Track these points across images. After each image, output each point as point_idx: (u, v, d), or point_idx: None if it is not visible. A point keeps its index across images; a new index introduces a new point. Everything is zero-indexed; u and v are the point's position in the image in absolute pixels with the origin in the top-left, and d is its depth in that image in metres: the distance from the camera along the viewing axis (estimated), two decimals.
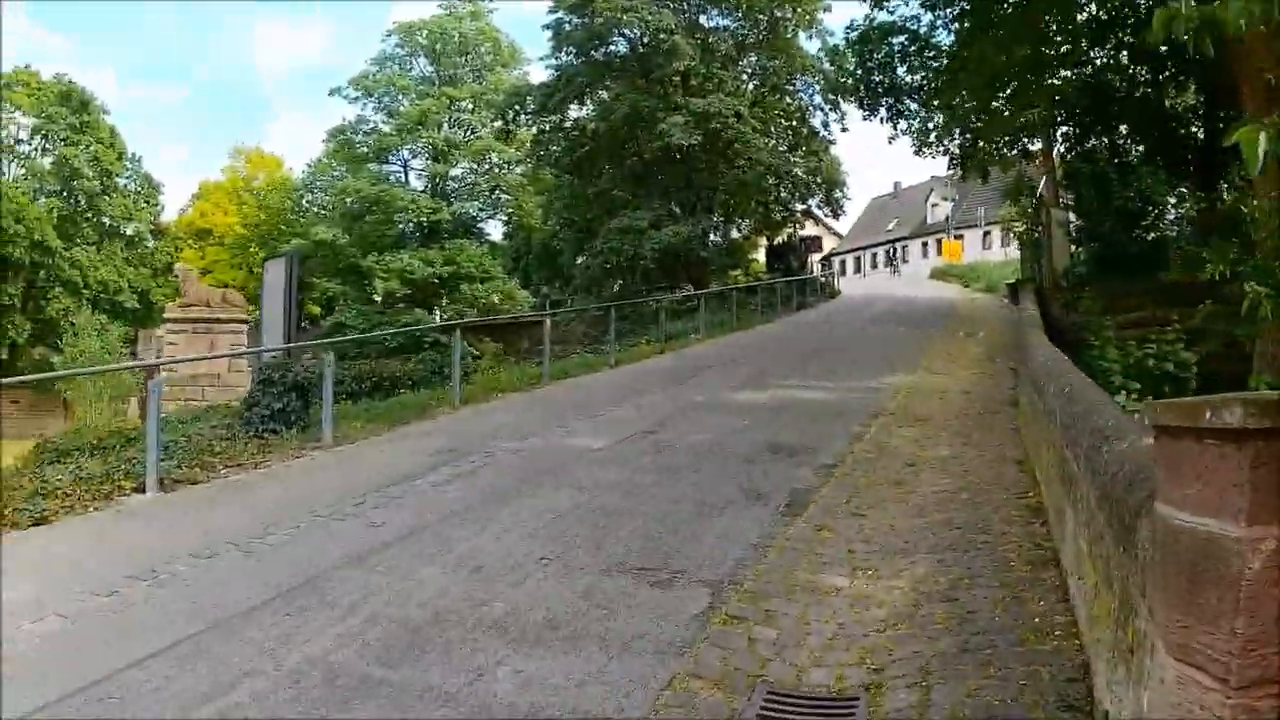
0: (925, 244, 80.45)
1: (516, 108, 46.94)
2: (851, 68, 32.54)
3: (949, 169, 37.03)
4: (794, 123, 46.34)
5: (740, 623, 6.12)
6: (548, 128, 46.30)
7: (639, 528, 8.35)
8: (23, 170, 54.01)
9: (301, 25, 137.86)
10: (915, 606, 6.19)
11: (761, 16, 44.32)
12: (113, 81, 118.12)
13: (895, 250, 50.89)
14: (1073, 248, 29.75)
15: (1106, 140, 29.23)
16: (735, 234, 47.81)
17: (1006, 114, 27.88)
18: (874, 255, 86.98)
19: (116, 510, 10.06)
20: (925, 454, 11.07)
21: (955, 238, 73.19)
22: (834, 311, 37.29)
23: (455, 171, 61.10)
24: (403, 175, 61.70)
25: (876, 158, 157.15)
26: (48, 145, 54.40)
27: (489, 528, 8.61)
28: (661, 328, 26.95)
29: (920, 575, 6.79)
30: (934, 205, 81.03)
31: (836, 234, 79.93)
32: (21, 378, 16.86)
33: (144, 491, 10.67)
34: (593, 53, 43.69)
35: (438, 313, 55.38)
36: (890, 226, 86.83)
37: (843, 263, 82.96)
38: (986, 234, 71.19)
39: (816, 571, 7.10)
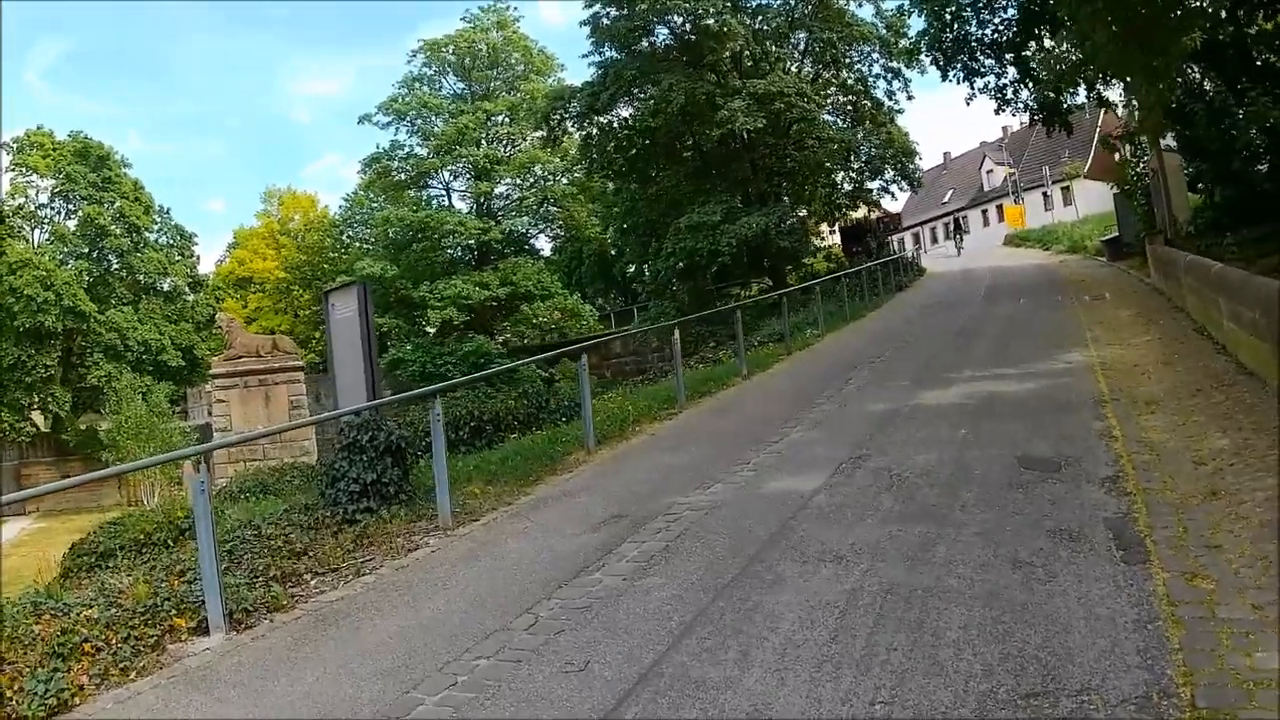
0: (985, 212, 78.12)
1: (560, 113, 43.40)
2: (923, 25, 30.58)
3: (1032, 123, 34.46)
4: (854, 96, 42.78)
5: None
6: (595, 131, 43.05)
7: (968, 620, 5.80)
8: (47, 235, 51.73)
9: (326, 65, 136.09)
10: None
11: None
12: (140, 139, 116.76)
13: (956, 222, 47.32)
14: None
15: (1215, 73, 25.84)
16: (807, 219, 44.27)
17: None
18: (933, 229, 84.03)
19: (170, 677, 6.77)
20: (1202, 447, 9.13)
21: (1016, 201, 70.71)
22: (935, 290, 34.89)
23: (500, 189, 58.25)
24: (446, 198, 59.16)
25: (917, 131, 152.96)
26: (71, 206, 52.03)
27: (751, 652, 5.67)
28: (773, 326, 23.77)
29: None
30: (988, 172, 79.11)
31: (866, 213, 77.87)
32: (61, 483, 13.52)
33: (207, 633, 7.42)
34: (636, 45, 40.38)
35: (499, 336, 52.65)
36: (946, 198, 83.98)
37: (901, 240, 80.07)
38: (1046, 195, 69.09)
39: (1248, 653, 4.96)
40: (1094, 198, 61.39)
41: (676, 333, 16.29)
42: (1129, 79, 25.22)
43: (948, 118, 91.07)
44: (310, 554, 9.39)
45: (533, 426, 16.43)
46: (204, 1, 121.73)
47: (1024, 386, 13.49)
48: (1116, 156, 59.07)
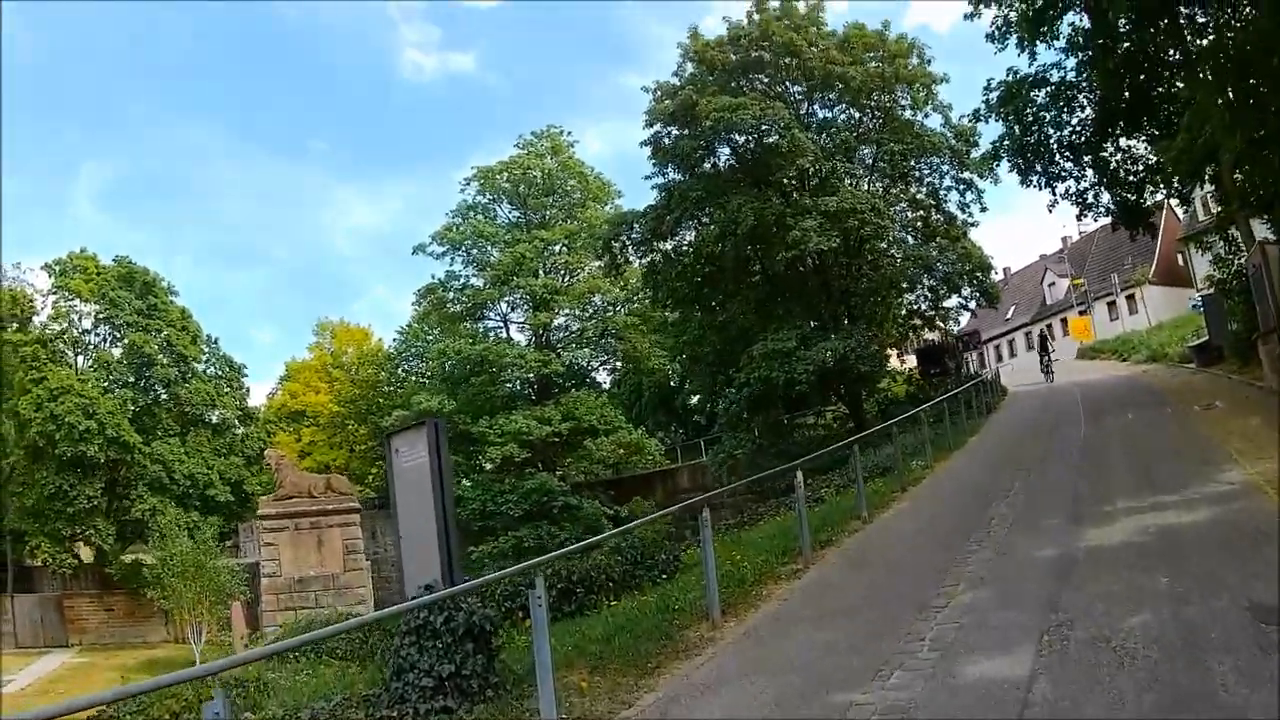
0: (1049, 325, 75.39)
1: (623, 239, 41.87)
2: (1000, 130, 30.13)
3: (1114, 227, 33.98)
4: (925, 211, 41.08)
5: None
6: (659, 258, 41.55)
7: None
8: (90, 362, 50.56)
9: (371, 197, 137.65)
10: None
11: (869, 103, 39.57)
12: (189, 268, 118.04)
13: (1043, 340, 45.17)
14: None
15: None
16: (884, 340, 42.18)
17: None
18: (997, 346, 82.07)
19: None
20: None
21: (1080, 313, 70.01)
22: (1028, 409, 32.67)
23: (559, 320, 56.85)
24: (504, 329, 57.80)
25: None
26: (116, 333, 50.93)
27: None
28: (885, 460, 21.51)
29: None
30: (1050, 285, 78.20)
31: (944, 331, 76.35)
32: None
33: None
34: (699, 166, 39.09)
35: (559, 471, 50.72)
36: (1009, 314, 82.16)
37: (967, 359, 78.09)
38: (1112, 304, 68.03)
39: None
40: (1160, 303, 60.07)
41: (799, 474, 14.07)
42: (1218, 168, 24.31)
43: (1001, 233, 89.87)
44: None
45: (630, 586, 14.12)
46: (246, 131, 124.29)
47: (1197, 516, 11.85)
48: (1180, 259, 58.79)
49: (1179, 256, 59.48)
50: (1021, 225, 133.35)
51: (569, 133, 58.58)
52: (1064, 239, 79.36)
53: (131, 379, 50.37)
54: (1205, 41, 23.75)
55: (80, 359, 50.61)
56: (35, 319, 49.56)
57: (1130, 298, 65.31)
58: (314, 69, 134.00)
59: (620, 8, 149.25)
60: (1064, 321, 72.18)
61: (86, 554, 48.54)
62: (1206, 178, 26.41)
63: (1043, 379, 41.36)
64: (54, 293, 49.89)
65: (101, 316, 50.38)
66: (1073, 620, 8.48)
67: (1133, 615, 8.39)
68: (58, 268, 49.75)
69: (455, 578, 9.71)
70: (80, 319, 50.68)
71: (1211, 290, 34.48)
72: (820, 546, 13.93)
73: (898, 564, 12.41)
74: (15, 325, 47.50)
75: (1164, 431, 20.58)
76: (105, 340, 51.47)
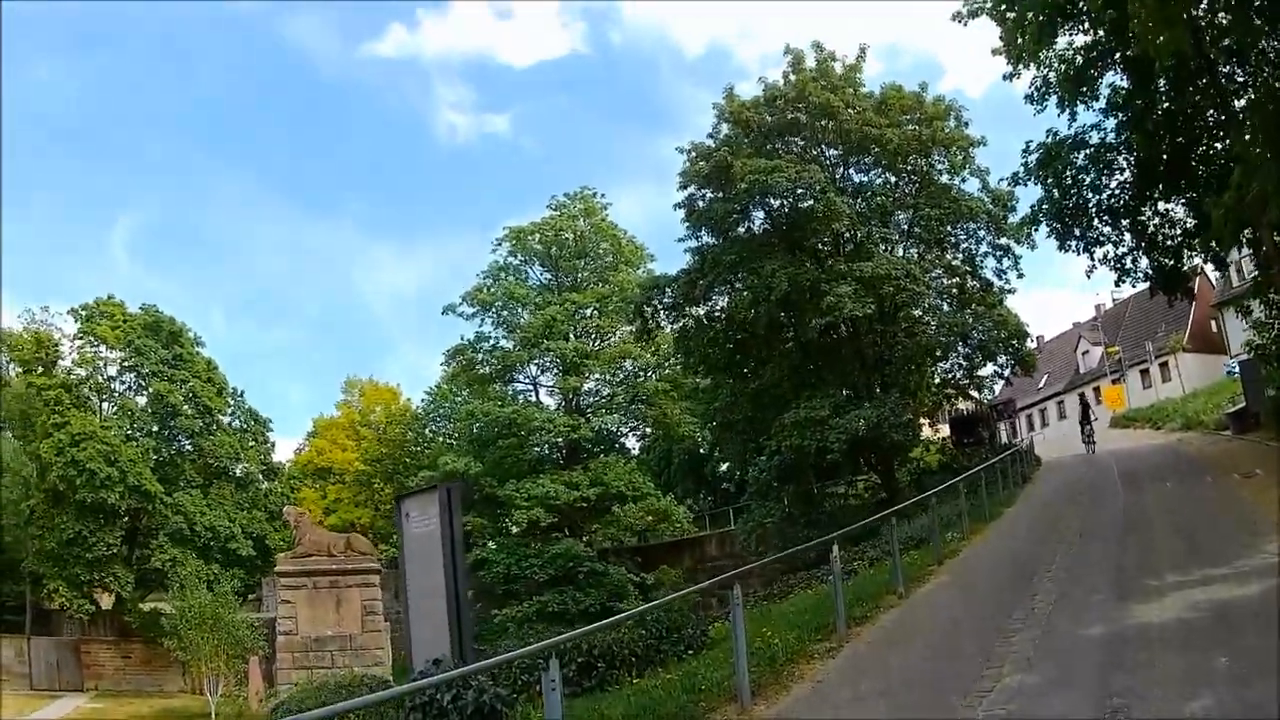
0: (1082, 395, 74.57)
1: (655, 303, 41.42)
2: (1038, 194, 29.87)
3: (1152, 293, 33.11)
4: (960, 277, 40.33)
5: None
6: (691, 323, 41.07)
7: None
8: (114, 409, 50.06)
9: (407, 257, 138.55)
10: None
11: (905, 167, 39.20)
12: (221, 321, 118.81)
13: (1085, 407, 44.08)
14: None
15: None
16: (917, 409, 41.38)
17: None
18: (1028, 416, 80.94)
19: None
20: None
21: (1113, 381, 69.87)
22: (1063, 479, 32.18)
23: (588, 385, 56.32)
24: (533, 392, 57.35)
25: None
26: (141, 382, 50.56)
27: None
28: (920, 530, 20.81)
29: None
30: (1084, 353, 77.96)
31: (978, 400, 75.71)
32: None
33: None
34: (733, 230, 38.75)
35: (585, 537, 50.14)
36: (1041, 383, 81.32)
37: (998, 428, 77.38)
38: (1145, 372, 67.79)
39: None
40: (1194, 371, 59.50)
41: (835, 547, 13.48)
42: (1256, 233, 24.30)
43: (1034, 303, 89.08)
44: None
45: (654, 662, 13.42)
46: (282, 186, 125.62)
47: (1251, 590, 11.53)
48: (1214, 325, 58.19)
49: (1212, 323, 59.05)
50: (1056, 295, 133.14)
51: (602, 195, 58.46)
52: (1097, 306, 79.00)
53: (155, 428, 50.15)
54: (1245, 101, 23.52)
55: (104, 405, 50.24)
56: (60, 363, 49.32)
57: (1164, 365, 64.97)
58: (351, 125, 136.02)
59: (656, 72, 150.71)
60: (1096, 390, 71.50)
61: (106, 600, 48.15)
62: (1244, 240, 26.23)
63: (1082, 449, 40.10)
64: (80, 338, 49.73)
65: (127, 364, 50.08)
66: (1129, 705, 8.03)
67: (1193, 699, 8.01)
68: (84, 313, 49.60)
69: (466, 653, 9.17)
70: (105, 365, 50.39)
71: (1249, 355, 33.97)
72: (855, 623, 13.27)
73: (938, 644, 11.82)
74: (40, 369, 47.47)
75: (1205, 501, 20.30)
76: (130, 388, 51.22)
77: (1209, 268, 36.99)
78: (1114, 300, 73.94)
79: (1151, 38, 19.09)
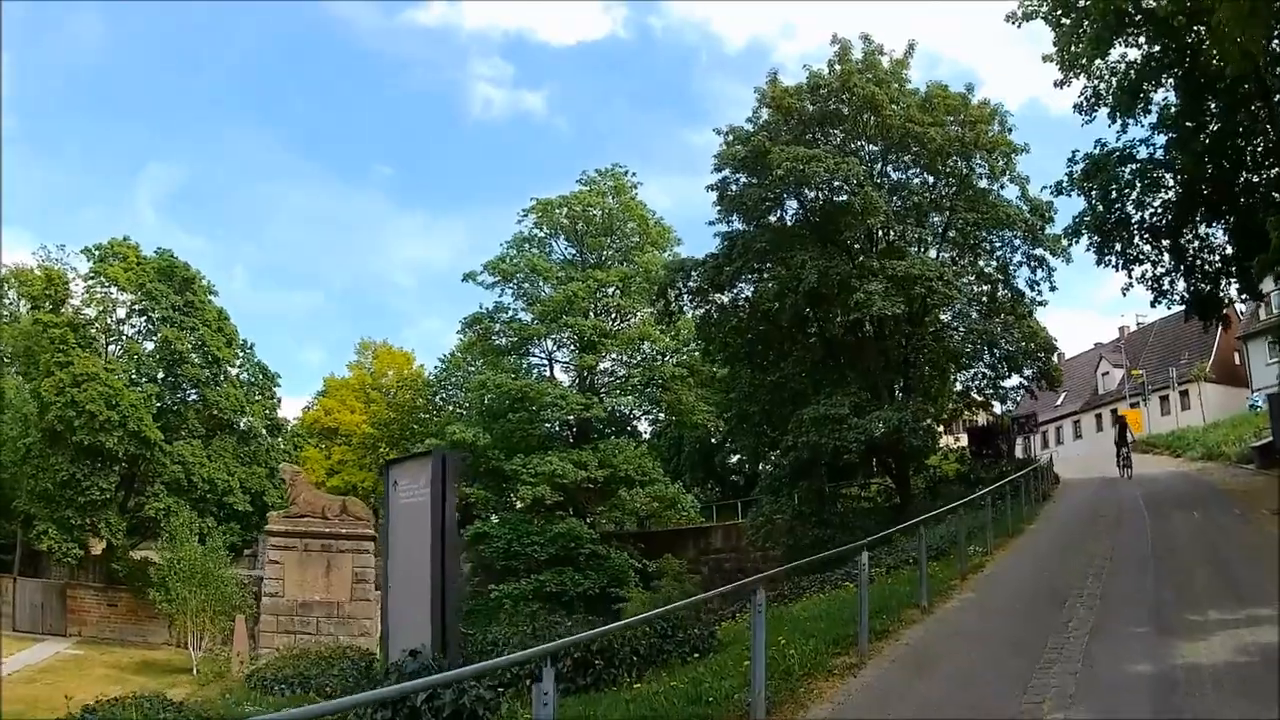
0: (1099, 415, 74.93)
1: (679, 286, 40.49)
2: (1081, 206, 30.18)
3: (1187, 317, 32.87)
4: (992, 285, 39.36)
5: None
6: (714, 309, 40.22)
7: None
8: (120, 352, 49.41)
9: (433, 228, 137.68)
10: None
11: (944, 169, 38.09)
12: (242, 280, 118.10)
13: (1122, 428, 42.16)
14: None
15: None
16: (937, 415, 40.42)
17: None
18: (1044, 432, 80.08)
19: None
20: None
21: (1132, 405, 67.45)
22: (1084, 500, 31.10)
23: (604, 364, 55.60)
24: (547, 368, 56.54)
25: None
26: (149, 327, 49.74)
27: None
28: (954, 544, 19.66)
29: None
30: (1104, 374, 76.40)
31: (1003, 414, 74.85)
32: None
33: None
34: (765, 218, 37.85)
35: (589, 519, 49.40)
36: (1059, 401, 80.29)
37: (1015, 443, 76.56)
38: (1165, 398, 66.41)
39: None
40: (1215, 402, 58.60)
41: (865, 555, 12.60)
42: None
43: (1053, 320, 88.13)
44: None
45: (656, 662, 12.39)
46: (311, 149, 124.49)
47: None
48: (1237, 358, 57.22)
49: (1235, 355, 57.99)
50: (1077, 315, 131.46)
51: (633, 174, 57.50)
52: (1121, 329, 77.97)
53: (160, 375, 49.25)
54: None
55: (110, 348, 49.48)
56: (70, 302, 48.28)
57: (1184, 393, 63.91)
58: (385, 93, 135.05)
59: (694, 63, 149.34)
60: (1113, 413, 69.89)
61: (96, 546, 47.44)
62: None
63: (1109, 470, 37.69)
64: (91, 278, 48.89)
65: (136, 308, 49.25)
66: None
67: None
68: (97, 252, 48.85)
69: (449, 643, 8.21)
70: (115, 307, 49.54)
71: (1276, 389, 33.14)
72: (876, 637, 12.27)
73: (969, 670, 10.82)
74: (49, 305, 46.38)
75: (1238, 535, 19.72)
76: (139, 332, 50.42)
77: (1241, 298, 36.16)
78: (1139, 323, 73.11)
79: (1229, 31, 18.40)
